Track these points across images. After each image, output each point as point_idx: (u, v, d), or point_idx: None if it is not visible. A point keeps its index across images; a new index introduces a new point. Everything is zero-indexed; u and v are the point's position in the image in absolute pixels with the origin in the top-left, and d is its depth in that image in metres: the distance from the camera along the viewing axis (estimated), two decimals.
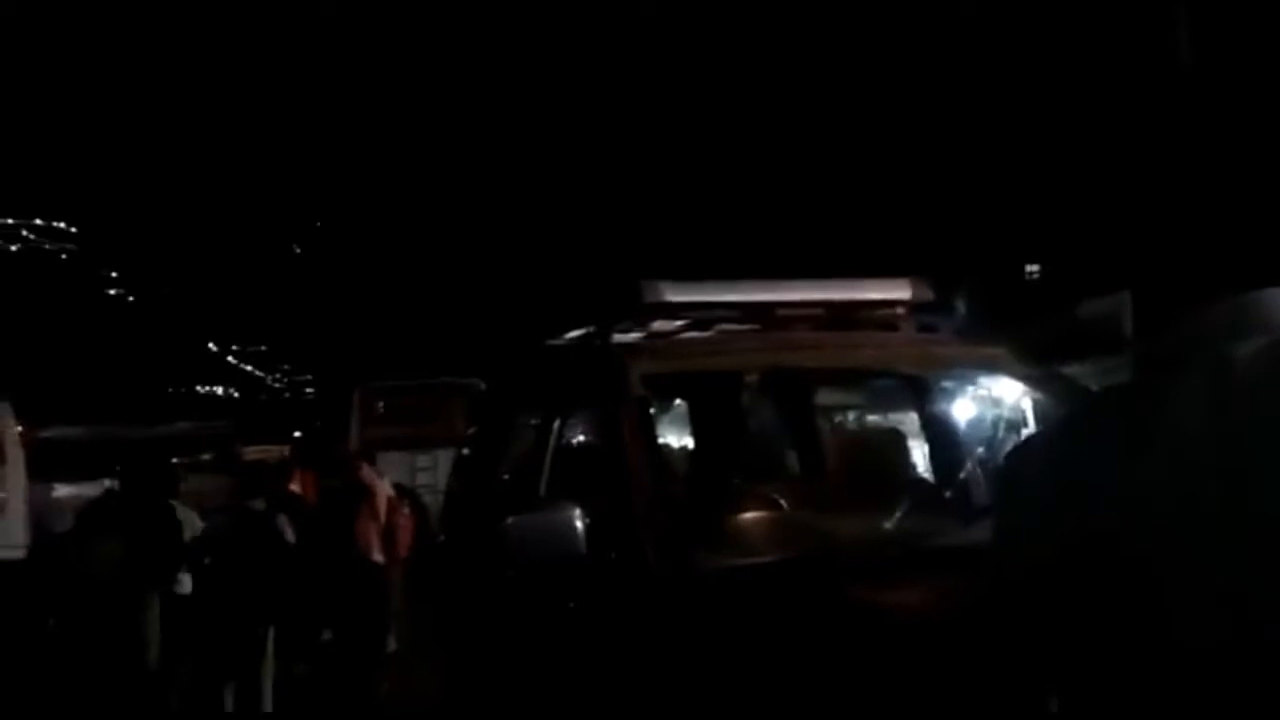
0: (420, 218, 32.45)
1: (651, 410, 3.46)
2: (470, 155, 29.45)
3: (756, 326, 3.86)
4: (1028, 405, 3.58)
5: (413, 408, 14.20)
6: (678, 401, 5.02)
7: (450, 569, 4.76)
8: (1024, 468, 1.33)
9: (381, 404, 14.63)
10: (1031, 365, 3.70)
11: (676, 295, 3.74)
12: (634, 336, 3.88)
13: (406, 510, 6.74)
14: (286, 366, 60.02)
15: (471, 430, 5.19)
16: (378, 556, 6.21)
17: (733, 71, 20.60)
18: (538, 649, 3.60)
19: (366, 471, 6.51)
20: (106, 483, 14.20)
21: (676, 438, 5.10)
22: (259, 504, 6.08)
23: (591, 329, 3.99)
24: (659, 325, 3.90)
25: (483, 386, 12.73)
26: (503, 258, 26.88)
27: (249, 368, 61.50)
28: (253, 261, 48.84)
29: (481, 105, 29.51)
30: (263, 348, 58.44)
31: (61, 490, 15.23)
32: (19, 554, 12.86)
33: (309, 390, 56.20)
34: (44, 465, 14.62)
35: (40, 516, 14.01)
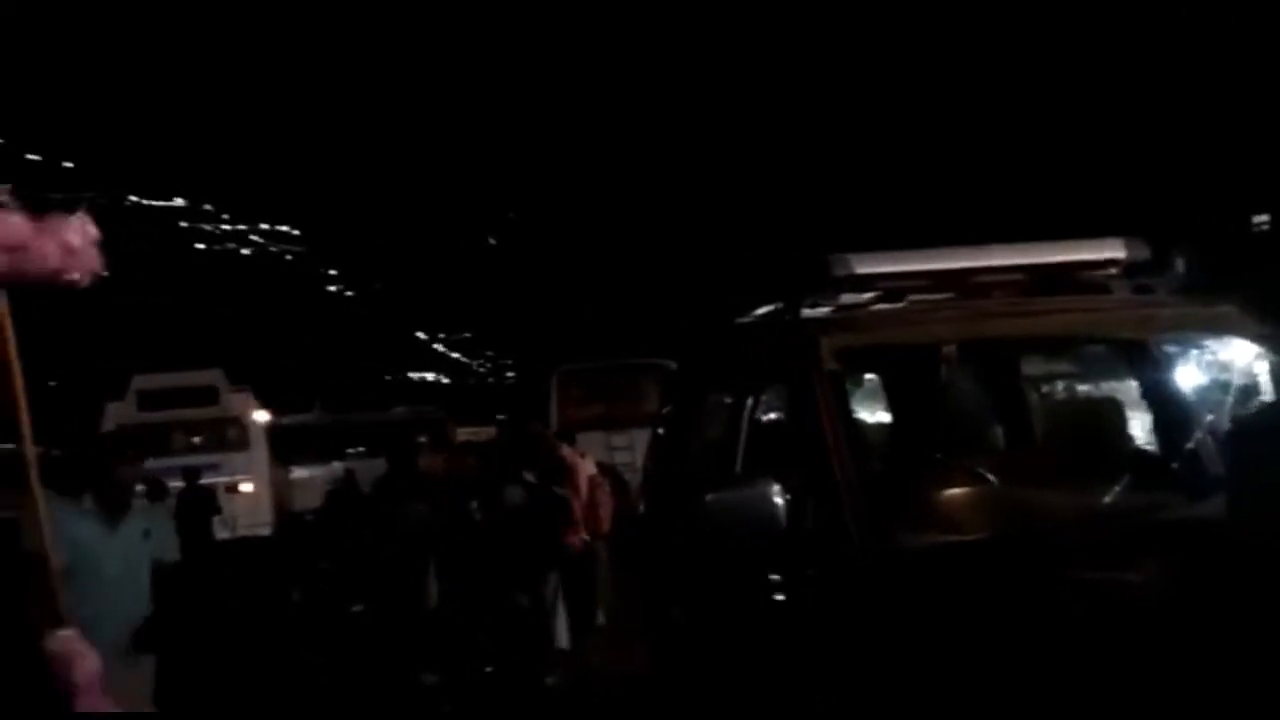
0: (609, 202, 33.11)
1: (846, 385, 3.41)
2: (656, 137, 29.74)
3: (952, 295, 3.72)
4: (1263, 368, 3.27)
5: (608, 389, 14.60)
6: (870, 376, 4.91)
7: (651, 544, 4.88)
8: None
9: (578, 386, 15.13)
10: (1264, 324, 3.38)
11: (866, 267, 3.66)
12: (824, 311, 3.83)
13: (607, 488, 6.93)
14: (490, 352, 62.98)
15: (666, 409, 5.27)
16: (582, 534, 6.43)
17: (906, 32, 19.79)
18: (739, 622, 3.64)
19: (567, 451, 6.74)
20: (336, 465, 15.40)
21: (870, 413, 4.99)
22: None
23: (780, 305, 3.97)
24: (848, 299, 3.82)
25: (674, 366, 12.91)
26: (691, 237, 27.03)
27: (455, 354, 64.92)
28: (454, 254, 51.40)
29: (667, 88, 29.72)
30: (467, 335, 61.49)
31: (298, 472, 16.73)
32: (266, 531, 14.28)
33: (510, 374, 58.86)
34: (283, 449, 16.12)
35: (281, 497, 15.48)
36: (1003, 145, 17.87)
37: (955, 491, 3.30)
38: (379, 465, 10.24)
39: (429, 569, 6.51)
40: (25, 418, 2.63)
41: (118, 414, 13.40)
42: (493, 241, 52.20)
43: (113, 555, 3.47)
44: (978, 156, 18.28)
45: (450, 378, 62.02)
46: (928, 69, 19.84)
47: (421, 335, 61.32)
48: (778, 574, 3.34)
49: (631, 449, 12.67)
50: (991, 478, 3.37)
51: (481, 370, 65.43)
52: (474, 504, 6.41)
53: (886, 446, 4.14)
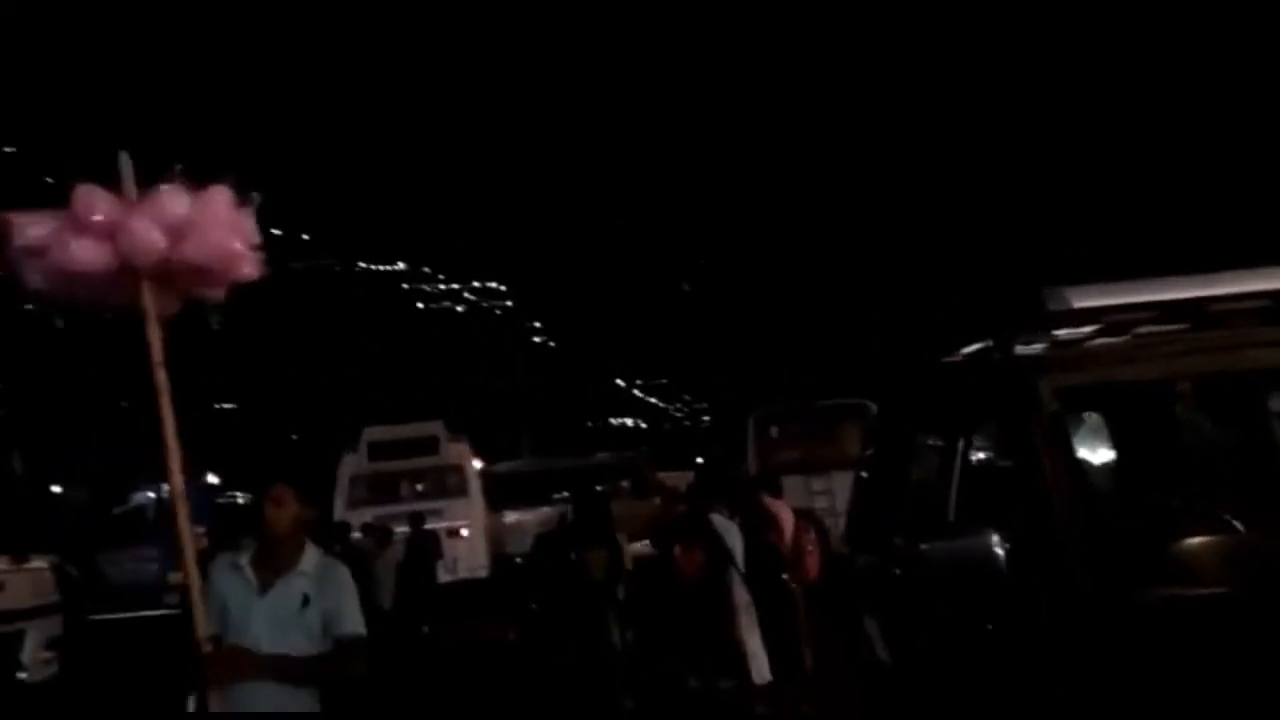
0: (804, 240, 32.94)
1: (1067, 425, 3.24)
2: (855, 175, 29.43)
3: (1184, 327, 3.46)
4: None
5: (806, 432, 14.40)
6: (1090, 414, 4.62)
7: (859, 592, 4.77)
8: None
9: (776, 429, 15.00)
10: None
11: (1085, 300, 3.48)
12: (1039, 348, 3.66)
13: (813, 534, 6.82)
14: (686, 397, 63.66)
15: (869, 452, 5.17)
16: (787, 580, 6.35)
17: (1121, 56, 18.66)
18: (956, 671, 3.50)
19: (769, 500, 6.70)
20: (546, 509, 15.93)
21: (1092, 452, 4.68)
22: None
23: (991, 342, 3.83)
24: (1064, 334, 3.64)
25: (874, 408, 12.58)
26: (892, 274, 26.41)
27: (653, 399, 66.04)
28: (649, 302, 52.57)
29: (857, 124, 29.43)
30: (663, 380, 62.46)
31: (510, 516, 17.44)
32: (483, 573, 14.94)
33: (705, 418, 59.09)
34: (496, 495, 16.88)
35: (496, 540, 16.16)
36: (1233, 160, 16.46)
37: (1195, 540, 3.04)
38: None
39: (610, 613, 6.66)
40: (175, 454, 2.68)
41: (352, 465, 14.47)
42: (686, 287, 53.00)
43: (260, 619, 2.93)
44: (1200, 177, 16.92)
45: (648, 422, 63.08)
46: (1146, 88, 18.62)
47: (620, 382, 62.83)
48: (998, 626, 3.19)
49: (831, 493, 12.40)
50: (1237, 524, 3.09)
51: (678, 414, 66.15)
52: (677, 548, 6.47)
53: (1113, 490, 3.88)
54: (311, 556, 2.98)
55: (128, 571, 11.52)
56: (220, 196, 2.80)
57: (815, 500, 12.33)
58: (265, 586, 2.94)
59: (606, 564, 6.88)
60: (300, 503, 2.97)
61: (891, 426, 4.93)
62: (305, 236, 40.88)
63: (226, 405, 34.68)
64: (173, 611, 10.49)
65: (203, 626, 2.78)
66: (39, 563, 5.71)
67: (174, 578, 11.11)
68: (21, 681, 5.40)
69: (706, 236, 45.61)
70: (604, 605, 6.75)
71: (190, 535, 2.78)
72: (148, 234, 2.65)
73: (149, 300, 2.71)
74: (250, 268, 2.86)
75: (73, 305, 2.73)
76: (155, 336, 2.70)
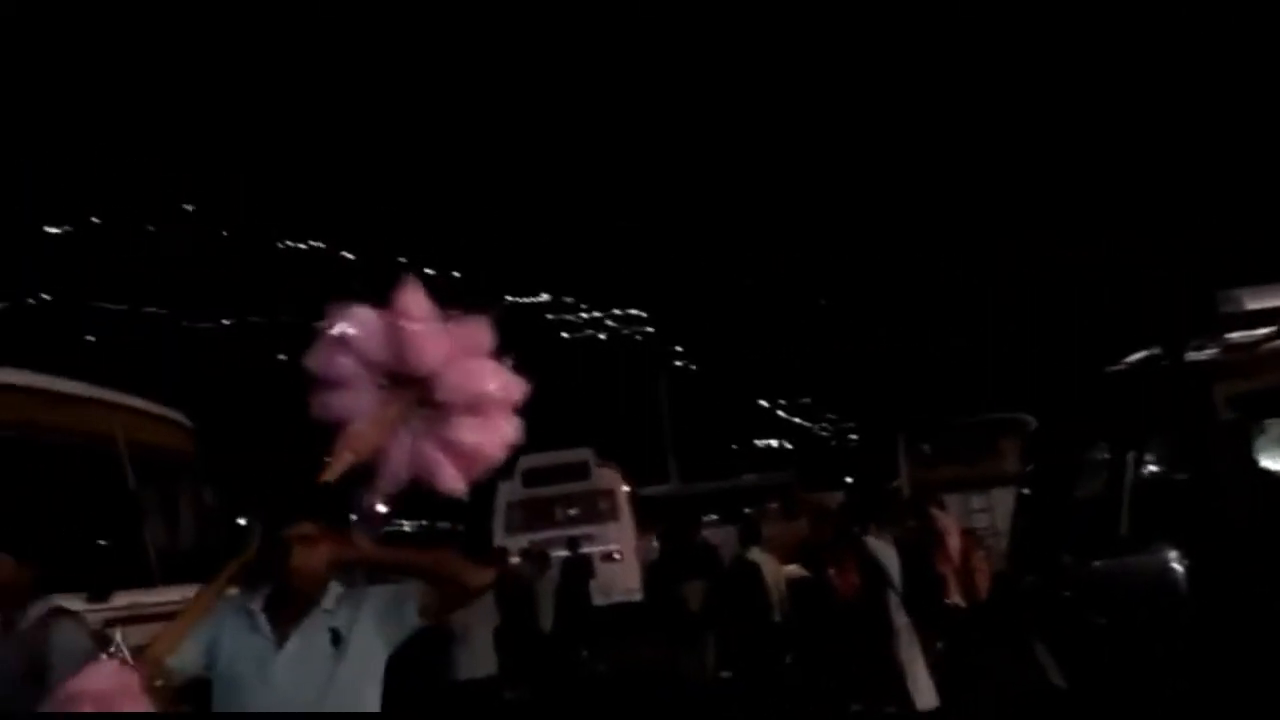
0: (948, 249, 32.00)
1: (1248, 434, 3.08)
2: (1002, 179, 28.46)
3: None
4: None
5: (961, 448, 13.93)
6: (1271, 422, 4.34)
7: (1027, 614, 4.61)
8: None
9: (928, 446, 14.57)
10: None
11: (1260, 301, 3.30)
12: (1212, 353, 3.48)
13: (982, 553, 6.56)
14: (831, 415, 62.55)
15: (1030, 468, 5.00)
16: (957, 600, 6.15)
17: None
18: (1134, 697, 3.34)
19: (938, 515, 6.51)
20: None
21: (1274, 463, 4.38)
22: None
23: (1159, 348, 3.67)
24: (1238, 337, 3.45)
25: (1033, 421, 12.06)
26: (1046, 280, 25.31)
27: (797, 419, 65.23)
28: (788, 320, 52.10)
29: (1008, 126, 28.46)
30: (806, 400, 61.65)
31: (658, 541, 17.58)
32: (636, 597, 15.11)
33: (853, 436, 57.84)
34: (645, 518, 17.06)
35: (647, 564, 16.30)
36: None
37: None
38: (732, 531, 10.50)
39: (708, 644, 6.65)
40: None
41: (508, 491, 14.93)
42: (823, 303, 52.27)
43: (281, 678, 2.28)
44: None
45: (794, 443, 62.30)
46: None
47: (763, 403, 62.39)
48: (1179, 646, 3.05)
49: (991, 511, 11.95)
50: None
51: (824, 433, 65.06)
52: (831, 571, 6.40)
53: None
54: (334, 590, 2.35)
55: None
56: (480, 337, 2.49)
57: (974, 519, 11.91)
58: (282, 638, 2.28)
59: (703, 595, 6.87)
60: (335, 540, 2.30)
61: (1054, 440, 4.77)
62: (456, 274, 42.65)
63: None
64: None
65: (170, 652, 2.26)
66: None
67: None
68: None
69: (843, 251, 44.91)
70: (702, 636, 6.73)
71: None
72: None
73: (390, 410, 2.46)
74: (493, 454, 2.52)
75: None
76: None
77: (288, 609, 2.32)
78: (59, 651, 2.97)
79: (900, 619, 5.93)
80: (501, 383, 2.49)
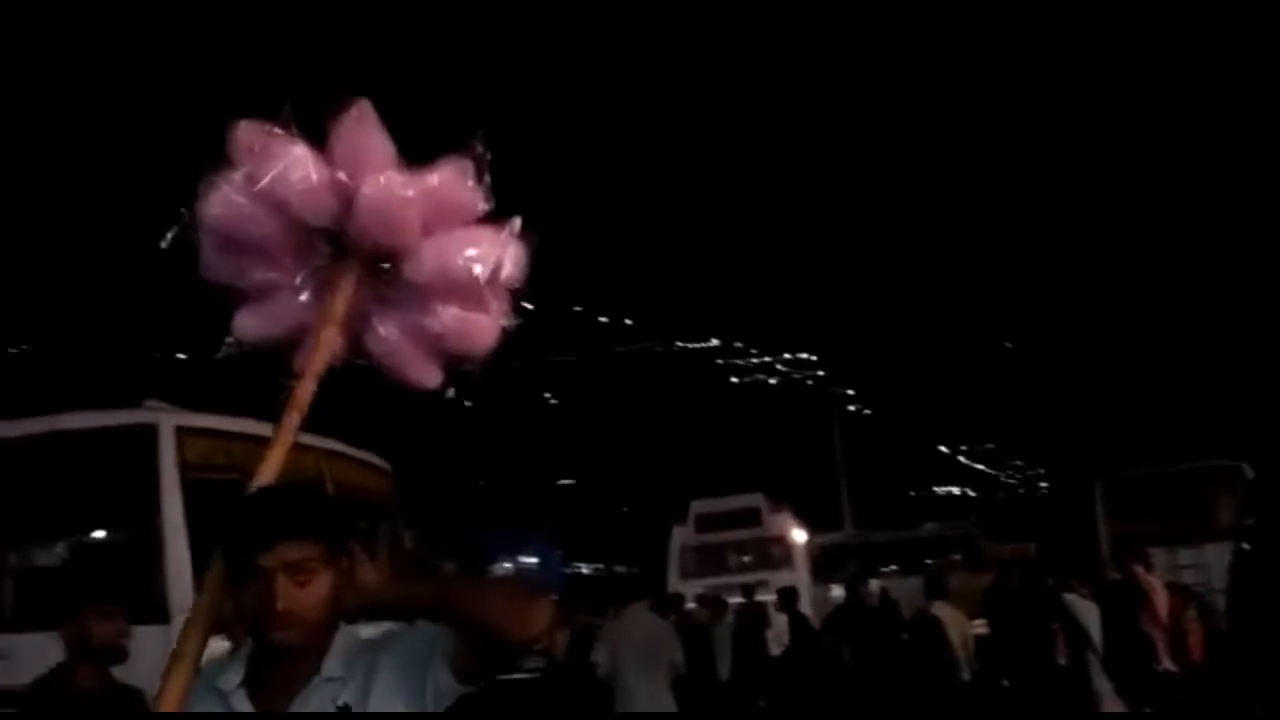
0: (1142, 284, 30.00)
1: None
2: (1199, 208, 26.59)
3: None
4: None
5: (1167, 498, 12.95)
6: None
7: (1255, 677, 4.23)
8: None
9: (1130, 495, 13.64)
10: None
11: None
12: None
13: (1193, 612, 6.06)
14: (1018, 462, 59.40)
15: (1249, 521, 4.61)
16: (1168, 664, 5.69)
17: None
18: None
19: (1142, 571, 6.07)
20: (873, 583, 15.53)
21: None
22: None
23: None
24: None
25: (1249, 469, 11.07)
26: (1256, 312, 23.28)
27: (980, 466, 62.38)
28: (969, 363, 50.16)
29: (1202, 163, 26.67)
30: (990, 445, 58.92)
31: (836, 590, 17.15)
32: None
33: (1043, 485, 54.52)
34: (820, 567, 16.71)
35: (822, 614, 15.95)
36: None
37: None
38: (913, 583, 10.13)
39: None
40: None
41: (682, 536, 15.01)
42: (1009, 345, 49.97)
43: None
44: None
45: (976, 491, 59.44)
46: None
47: (943, 449, 60.07)
48: None
49: (1205, 567, 11.04)
50: None
51: (1010, 481, 61.76)
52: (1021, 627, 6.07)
53: None
54: (340, 646, 1.66)
55: None
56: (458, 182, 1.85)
57: (1183, 575, 11.03)
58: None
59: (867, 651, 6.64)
60: (337, 570, 1.62)
61: (1278, 489, 4.37)
62: (629, 322, 43.62)
63: (566, 481, 37.42)
64: (530, 675, 11.36)
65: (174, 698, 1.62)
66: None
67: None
68: None
69: (1026, 288, 42.92)
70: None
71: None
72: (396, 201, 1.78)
73: (341, 297, 1.83)
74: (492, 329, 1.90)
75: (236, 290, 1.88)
76: (316, 364, 1.83)
77: (275, 681, 1.63)
78: None
79: (1103, 684, 5.55)
80: (494, 257, 1.83)
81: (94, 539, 4.65)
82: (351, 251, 1.86)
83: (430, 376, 1.95)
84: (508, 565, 12.86)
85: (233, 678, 1.66)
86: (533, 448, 35.05)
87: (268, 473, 1.78)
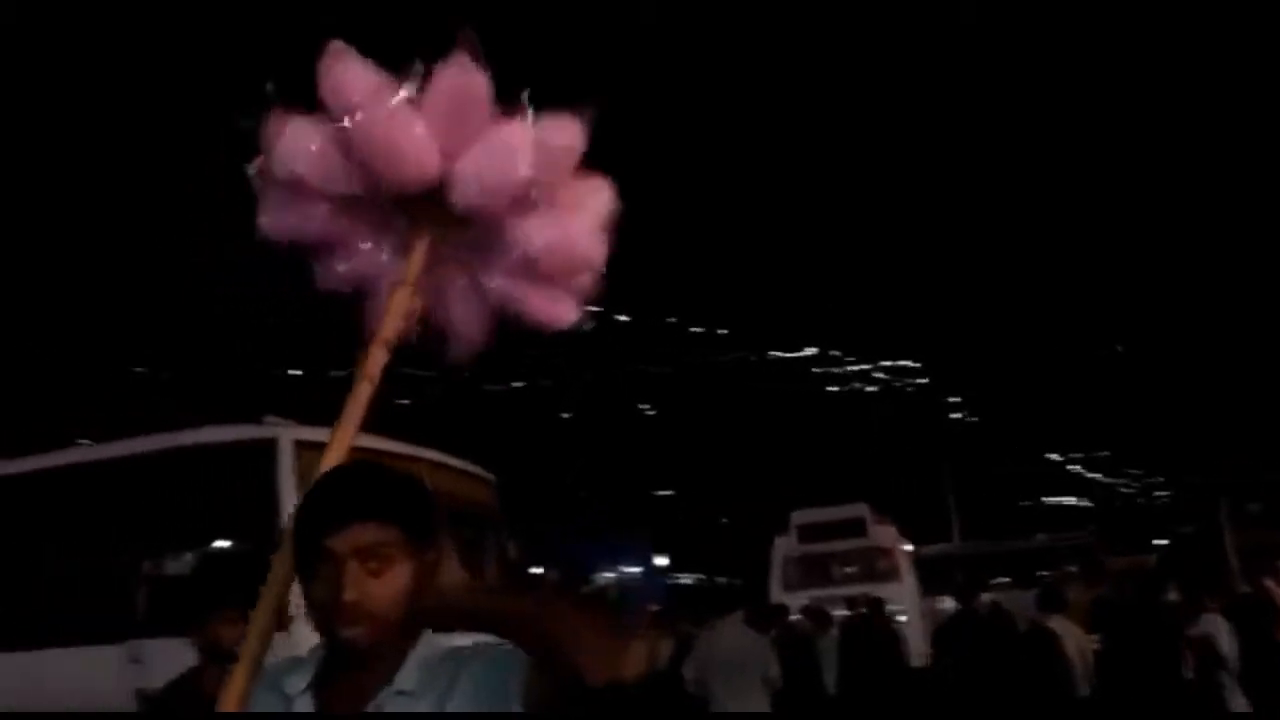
0: (1254, 285, 28.37)
1: None
2: None
3: None
4: None
5: None
6: None
7: None
8: None
9: (1257, 505, 12.95)
10: None
11: None
12: None
13: None
14: (1135, 470, 56.85)
15: None
16: None
17: None
18: None
19: (1271, 586, 5.75)
20: (983, 597, 15.06)
21: None
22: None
23: None
24: None
25: None
26: None
27: (1095, 475, 59.99)
28: (1080, 367, 48.35)
29: None
30: (1105, 453, 56.61)
31: (945, 603, 16.71)
32: (922, 662, 14.42)
33: (1162, 494, 52.04)
34: (927, 580, 16.31)
35: (930, 628, 15.57)
36: None
37: None
38: (1026, 597, 9.79)
39: None
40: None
41: (784, 547, 14.86)
42: (1120, 349, 47.96)
43: None
44: None
45: (1092, 501, 57.10)
46: None
47: (1054, 457, 57.99)
48: None
49: None
50: None
51: (1128, 490, 59.14)
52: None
53: None
54: (419, 656, 1.49)
55: None
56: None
57: None
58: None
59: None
60: (421, 566, 1.45)
61: None
62: (723, 331, 43.51)
63: (665, 492, 37.45)
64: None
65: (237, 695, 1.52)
66: None
67: None
68: None
69: (1141, 288, 41.08)
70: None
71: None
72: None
73: (416, 258, 1.70)
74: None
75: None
76: (389, 331, 1.68)
77: (343, 688, 1.46)
78: None
79: (1237, 700, 5.27)
80: (528, 147, 1.63)
81: (219, 548, 4.87)
82: (413, 212, 1.70)
83: (564, 310, 1.78)
84: (610, 575, 12.93)
85: (299, 680, 1.50)
86: (631, 459, 35.21)
87: (336, 450, 1.63)
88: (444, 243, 1.75)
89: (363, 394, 1.72)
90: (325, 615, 1.43)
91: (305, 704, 1.49)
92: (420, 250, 1.73)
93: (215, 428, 5.18)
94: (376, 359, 1.71)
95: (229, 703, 1.56)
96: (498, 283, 1.76)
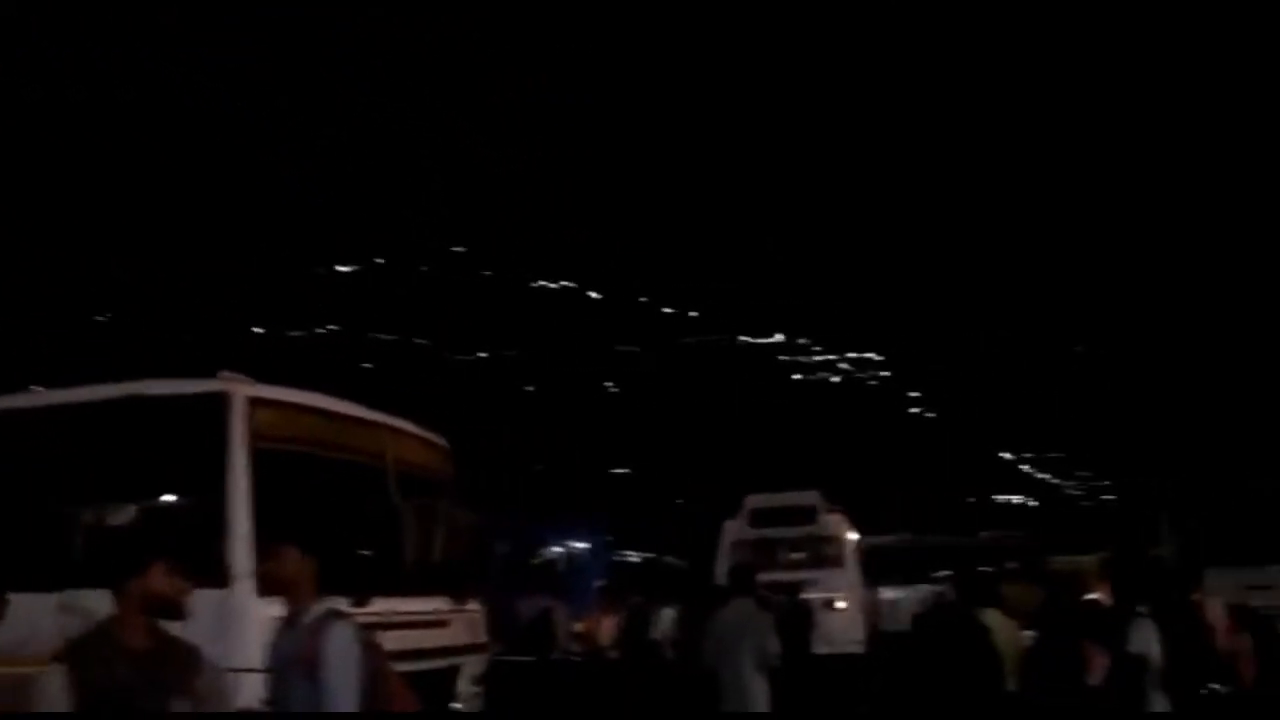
0: (1209, 293, 28.95)
1: None
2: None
3: None
4: None
5: (1241, 516, 12.58)
6: None
7: None
8: None
9: (1199, 512, 13.27)
10: None
11: None
12: None
13: (1247, 639, 5.89)
14: (1084, 473, 57.90)
15: None
16: (1222, 686, 5.55)
17: None
18: None
19: (1200, 592, 5.93)
20: (924, 588, 15.37)
21: None
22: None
23: None
24: None
25: None
26: None
27: (1043, 475, 60.99)
28: (1036, 367, 49.01)
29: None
30: (1057, 454, 57.57)
31: (886, 593, 16.97)
32: (858, 648, 14.67)
33: (1107, 497, 53.18)
34: (871, 569, 16.55)
35: (871, 616, 15.82)
36: None
37: None
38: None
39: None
40: None
41: (734, 530, 14.98)
42: (1079, 349, 48.65)
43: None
44: None
45: (1039, 501, 58.07)
46: None
47: (1006, 455, 58.86)
48: None
49: (1273, 588, 10.70)
50: None
51: (1074, 493, 60.24)
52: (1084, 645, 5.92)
53: None
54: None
55: (536, 618, 12.79)
56: None
57: (1252, 598, 10.68)
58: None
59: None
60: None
61: None
62: (694, 314, 43.54)
63: (621, 470, 37.54)
64: (573, 658, 11.44)
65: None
66: (474, 606, 6.04)
67: (577, 626, 12.20)
68: (454, 711, 5.68)
69: (1100, 291, 41.68)
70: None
71: None
72: None
73: None
74: None
75: None
76: None
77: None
78: (334, 649, 3.13)
79: (1159, 704, 5.42)
80: None
81: (164, 502, 4.80)
82: None
83: None
84: (558, 550, 13.00)
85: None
86: (591, 435, 35.22)
87: None
88: None
89: None
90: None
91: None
92: None
93: (170, 380, 5.10)
94: None
95: None
96: None
